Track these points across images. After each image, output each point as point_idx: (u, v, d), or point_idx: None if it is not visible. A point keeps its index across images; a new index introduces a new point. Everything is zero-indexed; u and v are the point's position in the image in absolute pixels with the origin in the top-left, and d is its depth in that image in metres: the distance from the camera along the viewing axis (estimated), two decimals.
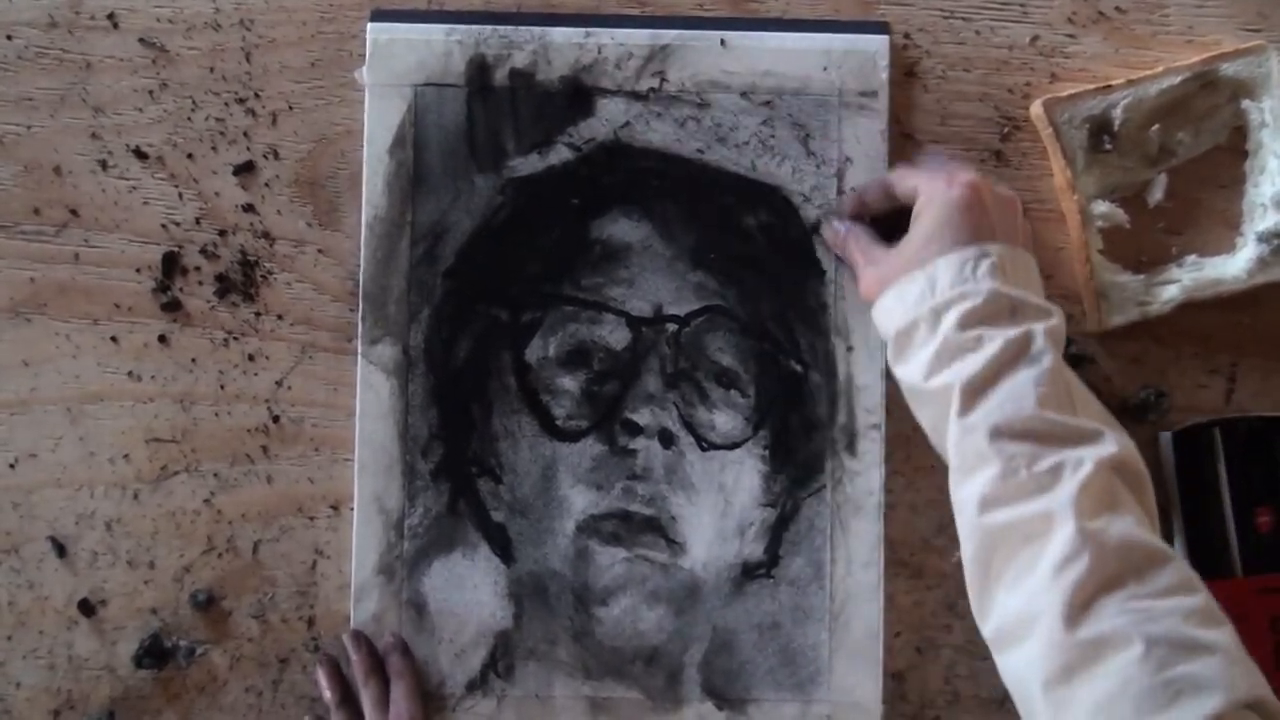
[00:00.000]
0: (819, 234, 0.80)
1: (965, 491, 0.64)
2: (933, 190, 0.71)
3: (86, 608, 0.80)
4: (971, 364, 0.65)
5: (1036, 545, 0.60)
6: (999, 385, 0.64)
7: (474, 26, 0.80)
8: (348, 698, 0.78)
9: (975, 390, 0.64)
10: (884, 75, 0.80)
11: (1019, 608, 0.60)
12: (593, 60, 0.80)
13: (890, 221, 0.75)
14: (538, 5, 0.81)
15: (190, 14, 0.81)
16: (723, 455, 0.79)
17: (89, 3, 0.81)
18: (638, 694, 0.79)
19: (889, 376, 0.78)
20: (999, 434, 0.62)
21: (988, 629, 0.63)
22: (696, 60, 0.80)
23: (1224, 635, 0.57)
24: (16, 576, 0.80)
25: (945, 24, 0.81)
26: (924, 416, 0.69)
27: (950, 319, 0.66)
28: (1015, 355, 0.64)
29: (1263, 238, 0.78)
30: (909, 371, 0.68)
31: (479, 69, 0.80)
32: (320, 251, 0.81)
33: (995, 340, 0.64)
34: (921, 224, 0.71)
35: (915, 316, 0.68)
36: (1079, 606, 0.57)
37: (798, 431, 0.80)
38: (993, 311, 0.66)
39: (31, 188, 0.80)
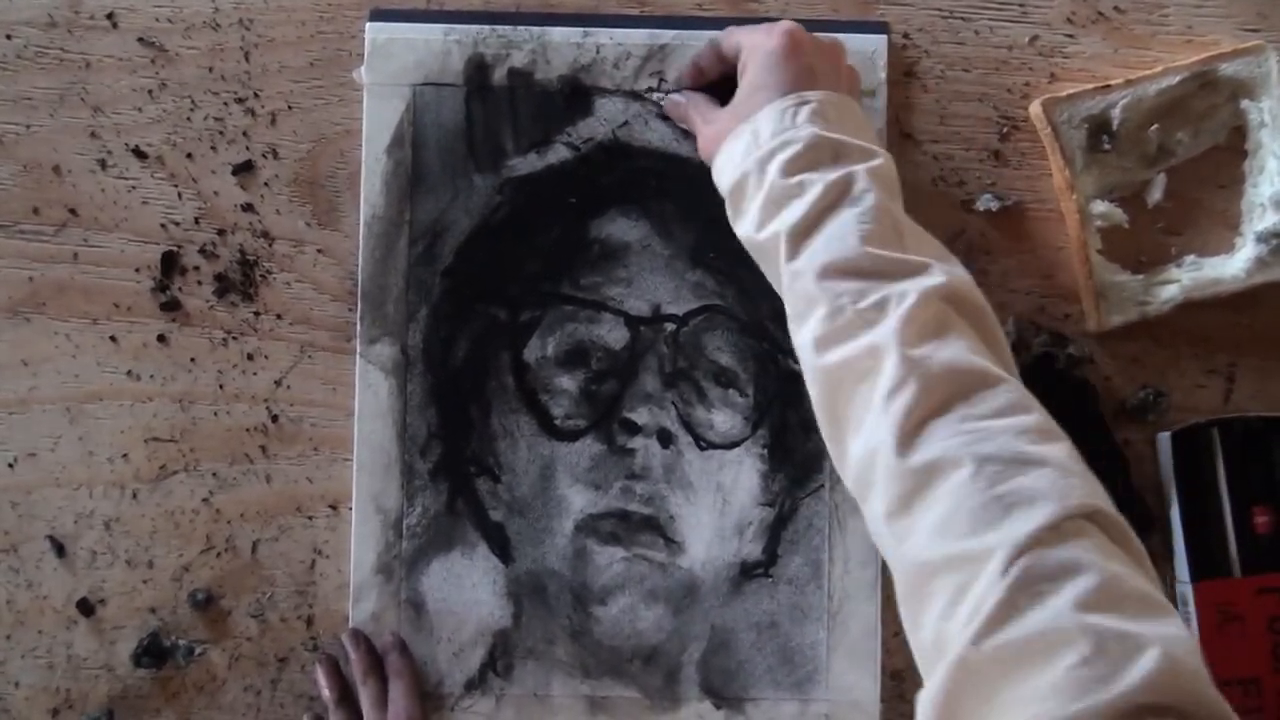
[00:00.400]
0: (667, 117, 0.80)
1: (801, 336, 0.63)
2: (753, 43, 0.71)
3: (85, 607, 0.80)
4: (796, 209, 0.64)
5: (869, 381, 0.59)
6: (823, 227, 0.63)
7: (472, 26, 0.80)
8: (346, 697, 0.78)
9: (800, 235, 0.63)
10: (882, 75, 0.80)
11: (862, 449, 0.59)
12: (591, 60, 0.80)
13: (731, 89, 0.74)
14: (536, 5, 0.81)
15: (189, 13, 0.81)
16: (721, 454, 0.79)
17: (88, 2, 0.81)
18: (636, 693, 0.79)
19: None
20: (825, 274, 0.62)
21: (848, 481, 0.62)
22: None
23: (1058, 450, 0.56)
24: (15, 576, 0.80)
25: (944, 24, 0.81)
26: (766, 272, 0.68)
27: (774, 168, 0.65)
28: (838, 197, 0.64)
29: (1262, 238, 0.78)
30: (744, 227, 0.68)
31: (477, 68, 0.80)
32: (319, 251, 0.81)
33: (817, 184, 0.64)
34: (746, 78, 0.71)
35: (744, 170, 0.67)
36: (909, 434, 0.56)
37: (796, 431, 0.80)
38: (814, 157, 0.65)
39: (30, 187, 0.80)
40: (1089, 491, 0.55)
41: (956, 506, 0.54)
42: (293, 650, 0.80)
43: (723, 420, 0.80)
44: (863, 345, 0.60)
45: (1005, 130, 0.81)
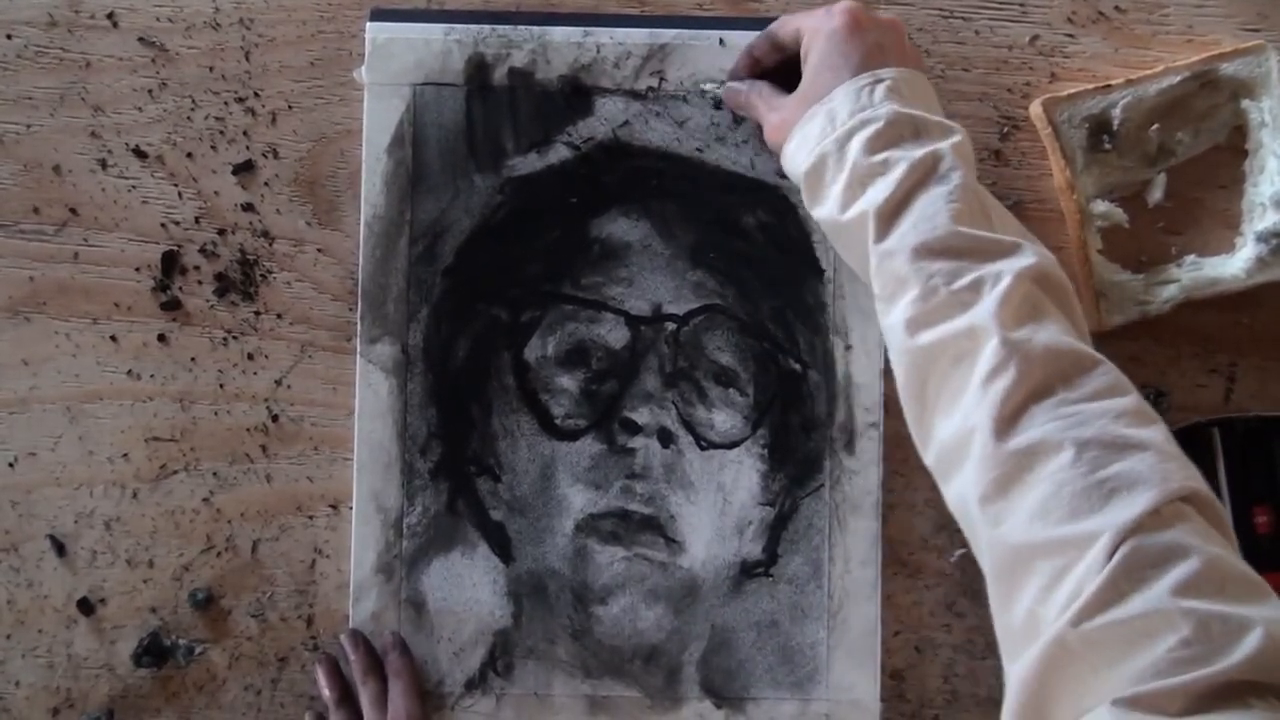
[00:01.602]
0: (723, 106, 0.79)
1: (891, 318, 0.63)
2: (814, 26, 0.70)
3: (86, 606, 0.80)
4: (882, 188, 0.63)
5: (966, 364, 0.59)
6: (912, 206, 0.63)
7: (473, 26, 0.80)
8: (347, 696, 0.78)
9: (889, 214, 0.63)
10: None
11: (954, 429, 0.59)
12: (591, 59, 0.80)
13: (789, 78, 0.74)
14: (537, 4, 0.81)
15: (190, 13, 0.81)
16: (721, 454, 0.79)
17: (89, 2, 0.81)
18: (637, 692, 0.79)
19: (888, 375, 0.78)
20: (917, 254, 0.61)
21: (929, 458, 0.62)
22: (695, 60, 0.80)
23: (1156, 433, 0.56)
24: (16, 575, 0.80)
25: (944, 23, 0.82)
26: (848, 253, 0.68)
27: (855, 147, 0.65)
28: (925, 175, 0.63)
29: (1262, 237, 0.78)
30: (825, 209, 0.67)
31: (478, 68, 0.80)
32: (319, 250, 0.81)
33: (902, 162, 0.63)
34: (811, 61, 0.70)
35: (821, 152, 0.67)
36: (1008, 417, 0.56)
37: (796, 430, 0.80)
38: (896, 133, 0.65)
39: (31, 187, 0.80)
40: (1187, 474, 0.55)
41: (1057, 491, 0.54)
42: (293, 650, 0.80)
43: (723, 420, 0.80)
44: (959, 327, 0.59)
45: (1006, 130, 0.81)
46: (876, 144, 0.65)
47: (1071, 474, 0.54)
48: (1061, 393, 0.57)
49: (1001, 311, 0.59)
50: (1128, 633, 0.49)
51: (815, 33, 0.70)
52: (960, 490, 0.59)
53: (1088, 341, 0.61)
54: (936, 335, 0.60)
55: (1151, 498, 0.52)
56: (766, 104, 0.74)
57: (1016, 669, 0.53)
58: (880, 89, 0.66)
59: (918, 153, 0.64)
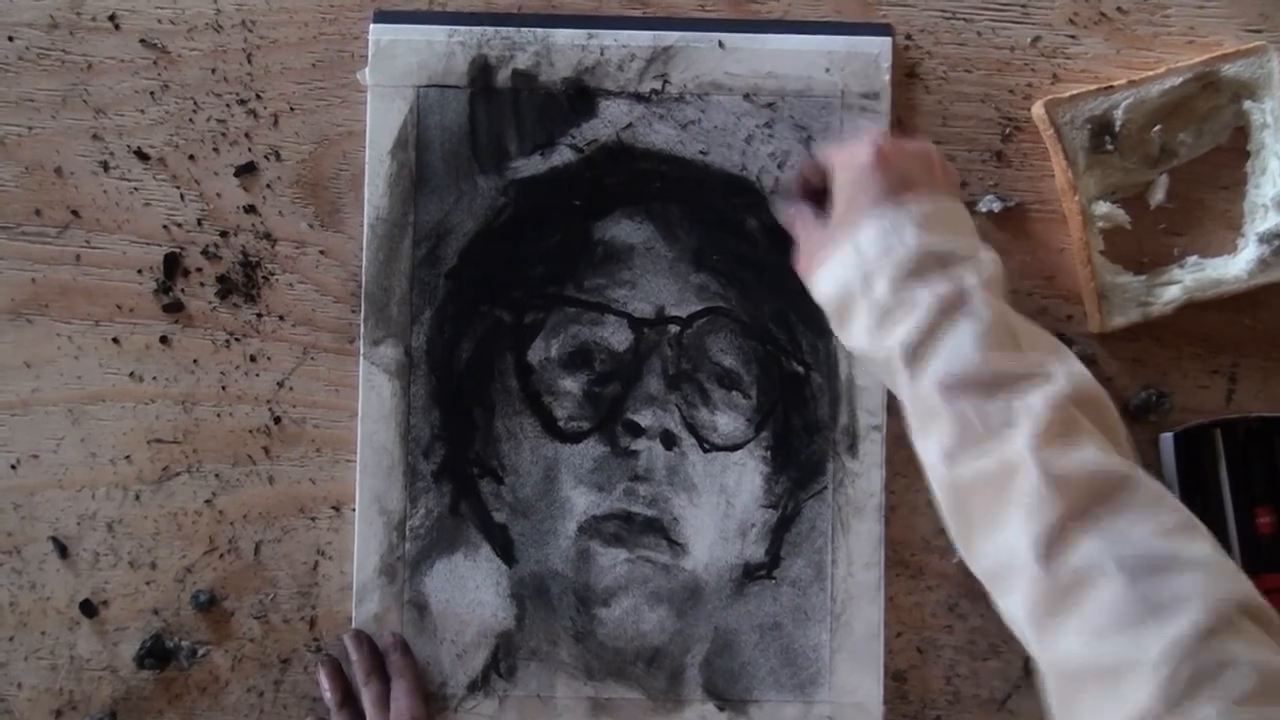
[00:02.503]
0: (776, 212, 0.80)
1: (927, 450, 0.63)
2: (842, 159, 0.71)
3: (88, 608, 0.80)
4: (908, 326, 0.64)
5: (1005, 494, 0.59)
6: (939, 342, 0.63)
7: (476, 28, 0.80)
8: (349, 698, 0.78)
9: (917, 351, 0.63)
10: (886, 77, 0.80)
11: (999, 556, 0.59)
12: (595, 62, 0.80)
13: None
14: (540, 6, 0.81)
15: (192, 15, 0.81)
16: (724, 456, 0.79)
17: (90, 4, 0.81)
18: (639, 694, 0.79)
19: None
20: (948, 390, 0.62)
21: (978, 572, 0.62)
22: (699, 62, 0.80)
23: (1201, 546, 0.57)
24: (18, 577, 0.80)
25: (947, 25, 0.81)
26: (878, 376, 0.69)
27: (881, 284, 0.65)
28: (951, 308, 0.63)
29: (1264, 238, 0.78)
30: (852, 340, 0.68)
31: (481, 70, 0.80)
32: (322, 252, 0.81)
33: (928, 299, 0.64)
34: (839, 194, 0.70)
35: (848, 285, 0.67)
36: (1053, 546, 0.57)
37: (799, 433, 0.80)
38: (920, 268, 0.65)
39: (33, 189, 0.80)
40: (1237, 587, 0.55)
41: (1106, 612, 0.55)
42: (295, 651, 0.80)
43: (726, 422, 0.80)
44: (995, 460, 0.60)
45: (1007, 131, 0.81)
46: (903, 280, 0.65)
47: (1120, 597, 0.54)
48: (1104, 515, 0.57)
49: (1038, 441, 0.59)
50: None
51: (844, 166, 0.70)
52: (1012, 612, 0.60)
53: (1125, 446, 0.62)
54: (975, 469, 0.61)
55: (1202, 613, 0.53)
56: (804, 230, 0.74)
57: None
58: (907, 223, 0.66)
59: (943, 288, 0.64)
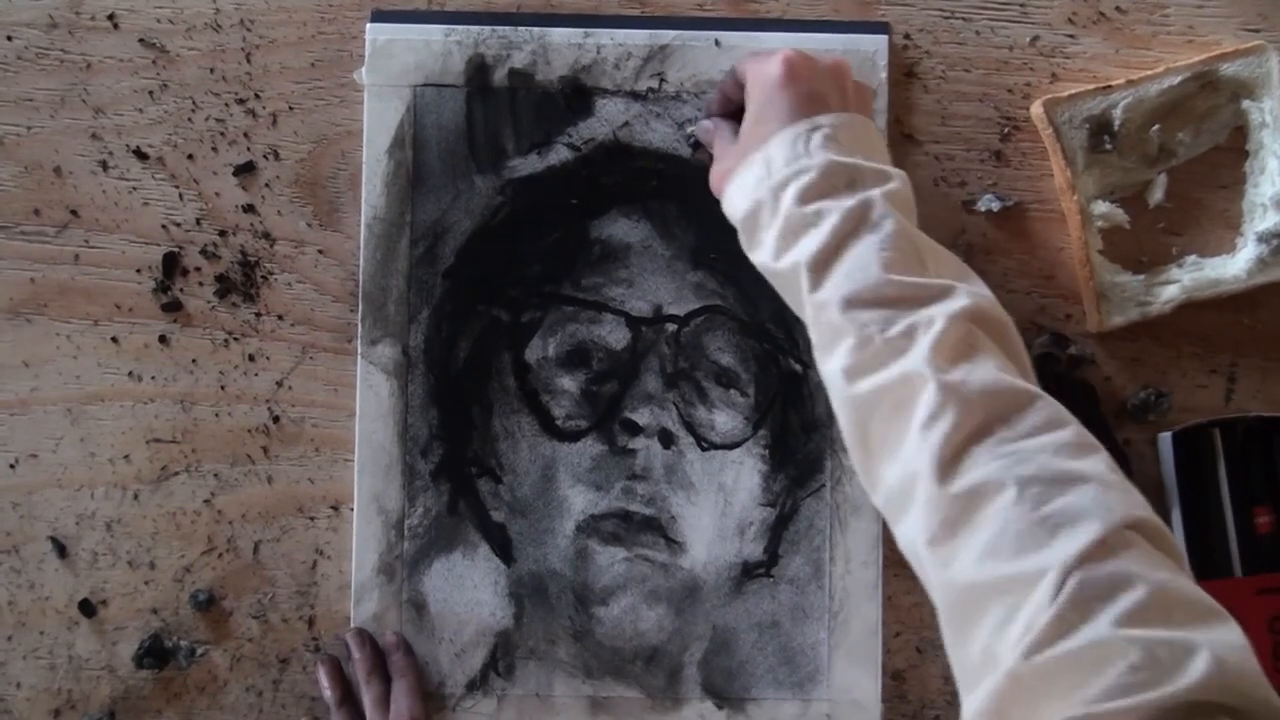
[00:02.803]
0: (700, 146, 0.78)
1: (829, 366, 0.63)
2: (755, 72, 0.70)
3: (87, 608, 0.80)
4: (814, 239, 0.63)
5: (905, 410, 0.59)
6: (843, 257, 0.63)
7: (473, 27, 0.80)
8: (348, 697, 0.78)
9: (821, 265, 0.63)
10: (883, 75, 0.80)
11: (898, 475, 0.59)
12: (592, 60, 0.80)
13: None
14: (537, 5, 0.81)
15: (190, 14, 0.81)
16: (722, 455, 0.79)
17: (89, 3, 0.81)
18: (638, 693, 0.79)
19: None
20: (849, 305, 0.61)
21: (878, 502, 0.62)
22: (696, 61, 0.80)
23: (1097, 463, 0.56)
24: (17, 577, 0.80)
25: (945, 24, 0.81)
26: (786, 298, 0.68)
27: (789, 197, 0.64)
28: (856, 225, 0.63)
29: (1263, 238, 0.78)
30: (760, 256, 0.67)
31: (478, 69, 0.80)
32: (320, 252, 0.81)
33: (834, 213, 0.63)
34: (750, 109, 0.70)
35: (757, 199, 0.66)
36: (950, 461, 0.57)
37: (797, 431, 0.80)
38: (830, 184, 0.64)
39: (32, 188, 0.80)
40: (1132, 503, 0.55)
41: (1002, 530, 0.54)
42: (294, 651, 0.80)
43: (724, 420, 0.80)
44: (894, 374, 0.59)
45: (1006, 130, 0.81)
46: (810, 194, 0.64)
47: (1015, 512, 0.54)
48: (1000, 432, 0.57)
49: (935, 356, 0.59)
50: (1078, 663, 0.50)
51: (755, 79, 0.70)
52: (908, 533, 0.59)
53: (1029, 374, 0.62)
54: (874, 383, 0.60)
55: (1095, 529, 0.53)
56: (721, 146, 0.73)
57: (972, 702, 0.53)
58: (817, 137, 0.66)
59: (849, 202, 0.63)
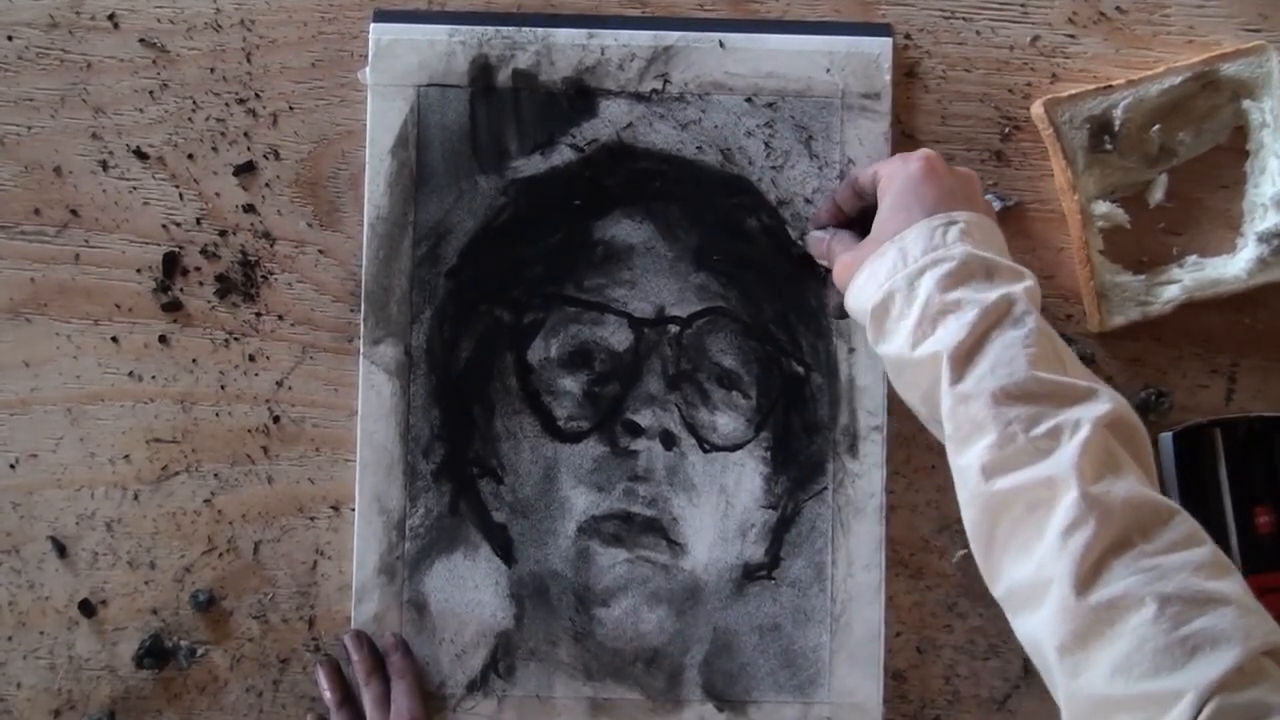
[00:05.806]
0: (805, 250, 0.79)
1: (964, 460, 0.62)
2: (891, 170, 0.70)
3: (87, 608, 0.80)
4: (955, 328, 0.63)
5: (1042, 512, 0.59)
6: (986, 349, 0.62)
7: (477, 27, 0.80)
8: (348, 698, 0.78)
9: (964, 357, 0.63)
10: (887, 77, 0.80)
11: (1029, 575, 0.59)
12: (595, 61, 0.80)
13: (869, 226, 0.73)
14: (540, 6, 0.81)
15: (191, 14, 0.81)
16: (724, 457, 0.79)
17: (89, 3, 0.80)
18: (638, 695, 0.79)
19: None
20: (995, 399, 0.61)
21: (998, 592, 0.62)
22: (699, 62, 0.80)
23: (1235, 585, 0.57)
24: (17, 577, 0.80)
25: (946, 24, 0.82)
26: (912, 389, 0.67)
27: (927, 284, 0.65)
28: (999, 318, 0.63)
29: (1263, 238, 0.78)
30: (892, 346, 0.67)
31: (482, 69, 0.80)
32: (321, 252, 0.81)
33: (975, 303, 0.63)
34: (885, 202, 0.70)
35: (890, 288, 0.66)
36: (1089, 571, 0.57)
37: (799, 433, 0.80)
38: (968, 274, 0.64)
39: (32, 188, 0.80)
40: (1269, 629, 0.55)
41: (1139, 647, 0.54)
42: (294, 651, 0.80)
43: (726, 422, 0.80)
44: (1036, 475, 0.59)
45: (1007, 130, 0.82)
46: (949, 283, 0.64)
47: (1154, 630, 0.54)
48: (1140, 545, 0.57)
49: (1081, 462, 0.59)
50: None
51: (891, 176, 0.70)
52: (1033, 633, 0.59)
53: (1154, 480, 0.62)
54: (1012, 482, 0.60)
55: (1235, 655, 0.53)
56: (842, 247, 0.73)
57: None
58: (954, 230, 0.66)
59: (991, 295, 0.63)
